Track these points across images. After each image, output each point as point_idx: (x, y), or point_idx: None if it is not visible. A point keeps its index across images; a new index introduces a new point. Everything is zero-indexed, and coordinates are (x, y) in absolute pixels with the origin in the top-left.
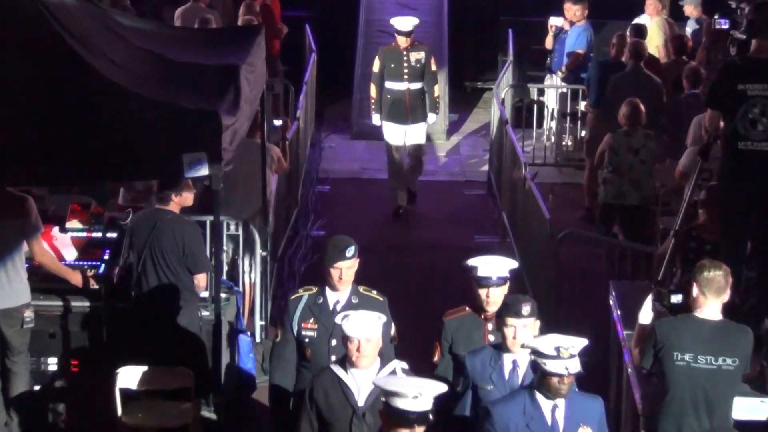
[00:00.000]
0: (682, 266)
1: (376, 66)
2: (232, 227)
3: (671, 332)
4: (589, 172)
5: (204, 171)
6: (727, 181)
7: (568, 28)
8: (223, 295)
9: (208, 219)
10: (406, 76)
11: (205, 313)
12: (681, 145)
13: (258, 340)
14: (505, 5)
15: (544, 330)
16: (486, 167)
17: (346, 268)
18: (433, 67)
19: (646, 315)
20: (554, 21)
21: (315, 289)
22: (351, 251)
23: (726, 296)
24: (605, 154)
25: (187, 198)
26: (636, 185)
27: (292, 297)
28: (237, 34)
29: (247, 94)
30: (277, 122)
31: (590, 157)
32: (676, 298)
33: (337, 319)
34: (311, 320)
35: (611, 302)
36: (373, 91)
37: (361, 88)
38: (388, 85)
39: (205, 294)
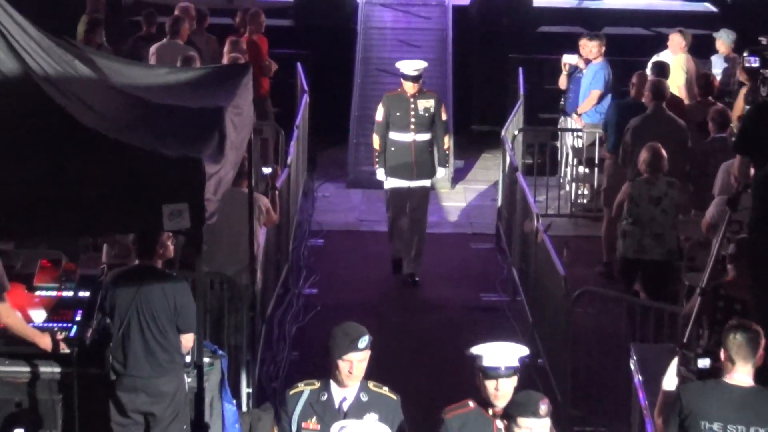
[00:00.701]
0: (710, 327)
1: (379, 114)
2: (216, 284)
3: (698, 399)
4: (608, 224)
5: (186, 223)
6: (758, 234)
7: (584, 66)
8: (206, 360)
9: (190, 275)
10: (412, 127)
11: (187, 380)
12: (707, 194)
13: (244, 409)
14: (515, 42)
15: (558, 397)
16: (494, 219)
17: (357, 361)
18: (444, 116)
19: (670, 380)
20: (568, 59)
21: (318, 384)
22: (364, 342)
23: (758, 360)
24: (624, 204)
25: (169, 251)
26: (658, 238)
27: (291, 392)
28: (222, 73)
29: (233, 139)
30: (266, 170)
31: (608, 207)
32: (704, 363)
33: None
34: (313, 419)
35: (632, 366)
36: (376, 142)
37: (357, 132)
38: (393, 135)
39: (186, 359)
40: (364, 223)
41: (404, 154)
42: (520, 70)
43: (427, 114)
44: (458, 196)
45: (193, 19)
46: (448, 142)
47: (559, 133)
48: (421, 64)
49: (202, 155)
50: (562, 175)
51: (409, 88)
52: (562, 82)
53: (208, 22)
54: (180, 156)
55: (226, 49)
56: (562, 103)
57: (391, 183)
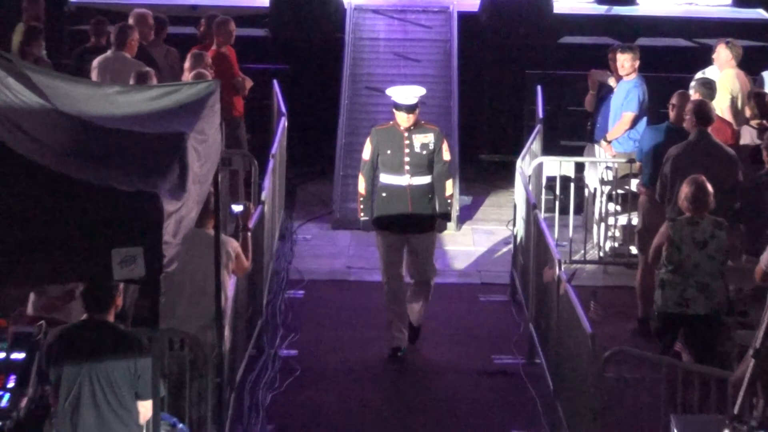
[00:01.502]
0: (765, 395)
1: (366, 152)
2: (176, 344)
3: None
4: (643, 273)
5: (140, 271)
6: None
7: (614, 83)
8: None
9: (145, 333)
10: (407, 168)
11: None
12: (761, 235)
13: None
14: (532, 55)
15: None
16: (508, 266)
17: None
18: (446, 155)
19: None
20: (597, 75)
21: None
22: None
23: None
24: (663, 248)
25: (118, 303)
26: (703, 289)
27: None
28: (184, 92)
29: (197, 171)
30: (237, 207)
31: (644, 252)
32: None
33: None
34: None
35: None
36: (361, 185)
37: (344, 163)
38: (384, 178)
39: None
40: (353, 271)
41: (397, 202)
42: (539, 88)
43: (425, 152)
44: (465, 238)
45: (150, 28)
46: (450, 188)
47: (586, 163)
48: (418, 91)
49: (160, 190)
50: (589, 213)
51: (403, 120)
52: (589, 103)
53: (167, 32)
54: (133, 191)
55: (188, 63)
56: (588, 127)
57: (384, 238)
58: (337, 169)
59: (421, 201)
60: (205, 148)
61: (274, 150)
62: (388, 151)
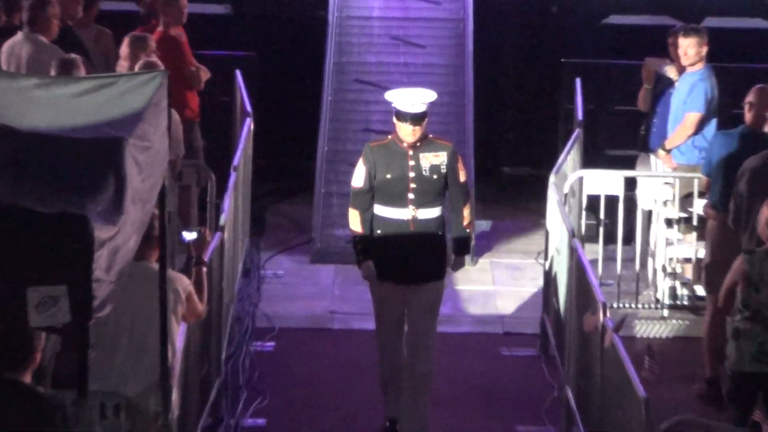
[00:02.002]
0: None
1: (358, 177)
2: (110, 411)
3: None
4: (712, 320)
5: (63, 316)
6: None
7: (676, 76)
8: None
9: (68, 398)
10: (411, 197)
11: None
12: None
13: None
14: (569, 41)
15: None
16: (538, 311)
17: None
18: (461, 175)
19: None
20: (653, 65)
21: None
22: None
23: None
24: (737, 288)
25: (37, 359)
26: None
27: None
28: (121, 86)
29: (137, 188)
30: (188, 235)
31: (713, 293)
32: None
33: None
34: None
35: None
36: (355, 221)
37: (327, 177)
38: (380, 211)
39: None
40: (338, 317)
41: (397, 242)
42: (578, 82)
43: (435, 176)
44: (482, 275)
45: (77, 3)
46: (469, 215)
47: (638, 179)
48: (427, 96)
49: (89, 212)
50: (643, 243)
51: (408, 134)
52: (643, 101)
53: (98, 8)
54: (55, 213)
55: (125, 49)
56: (642, 132)
57: (381, 289)
58: (318, 185)
59: (430, 240)
60: (147, 157)
61: (236, 161)
62: (388, 176)
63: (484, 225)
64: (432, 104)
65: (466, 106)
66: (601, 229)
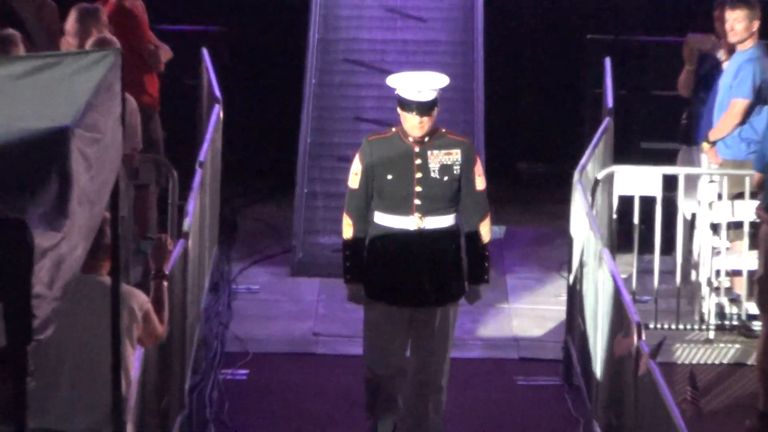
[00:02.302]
0: None
1: (355, 176)
2: None
3: None
4: (766, 342)
5: None
6: None
7: (724, 57)
8: None
9: None
10: (418, 202)
11: None
12: None
13: None
14: (596, 13)
15: None
16: (560, 333)
17: None
18: (479, 182)
19: None
20: (696, 42)
21: None
22: None
23: None
24: None
25: None
26: None
27: None
28: (66, 67)
29: (85, 187)
30: (147, 243)
31: (767, 311)
32: None
33: None
34: None
35: None
36: (348, 230)
37: (309, 174)
38: (380, 219)
39: None
40: (323, 340)
41: (401, 256)
42: (607, 62)
43: (446, 178)
44: (495, 291)
45: None
46: (487, 233)
47: (679, 176)
48: (438, 81)
49: (28, 215)
50: (684, 253)
51: (414, 126)
52: (684, 85)
53: None
54: None
55: (72, 23)
56: (684, 121)
57: (378, 312)
58: (300, 184)
59: (440, 255)
60: (98, 151)
61: (203, 156)
62: (389, 176)
63: (497, 231)
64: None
65: (475, 91)
66: (636, 237)
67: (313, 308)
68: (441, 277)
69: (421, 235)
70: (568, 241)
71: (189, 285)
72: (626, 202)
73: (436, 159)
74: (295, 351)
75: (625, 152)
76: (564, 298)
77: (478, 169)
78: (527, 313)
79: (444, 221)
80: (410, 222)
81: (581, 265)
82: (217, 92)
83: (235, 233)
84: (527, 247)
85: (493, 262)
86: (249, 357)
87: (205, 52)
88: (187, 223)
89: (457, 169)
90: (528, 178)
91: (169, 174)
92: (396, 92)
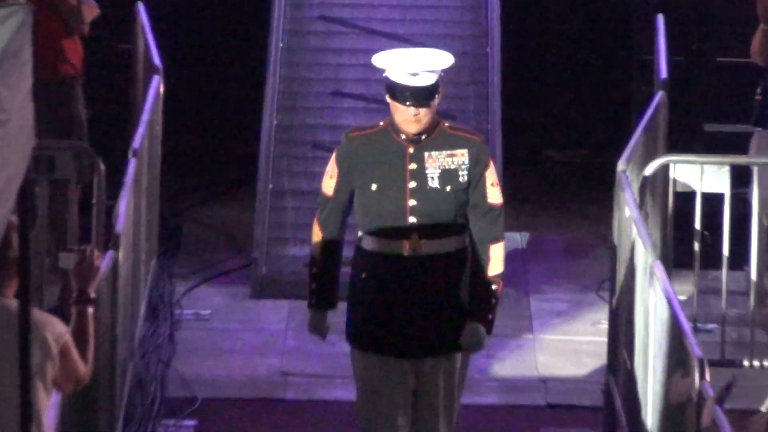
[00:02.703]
0: None
1: (329, 180)
2: None
3: None
4: None
5: None
6: None
7: None
8: None
9: None
10: (413, 219)
11: None
12: None
13: None
14: None
15: None
16: (598, 374)
17: None
18: (493, 195)
19: None
20: None
21: None
22: None
23: None
24: None
25: None
26: None
27: None
28: None
29: None
30: (66, 257)
31: None
32: None
33: None
34: None
35: None
36: (317, 246)
37: (275, 166)
38: (367, 243)
39: None
40: (293, 381)
41: (395, 292)
42: (659, 21)
43: (449, 187)
44: (516, 318)
45: None
46: (499, 260)
47: (753, 168)
48: (438, 60)
49: None
50: (758, 267)
51: (408, 120)
52: (760, 51)
53: None
54: None
55: None
56: (758, 96)
57: (363, 361)
58: (263, 179)
59: (444, 289)
60: (1, 137)
61: (138, 142)
62: (374, 185)
63: (517, 239)
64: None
65: (489, 58)
66: (697, 247)
67: (280, 340)
68: (446, 316)
69: (419, 263)
70: (610, 253)
71: (120, 310)
72: (685, 201)
73: (437, 163)
74: (258, 396)
75: (683, 137)
76: (604, 326)
77: (492, 176)
78: (557, 347)
79: (448, 244)
80: (403, 246)
81: (627, 283)
82: (157, 59)
83: (180, 242)
84: (557, 259)
85: (514, 280)
86: (197, 404)
87: (140, 8)
88: (117, 230)
89: (463, 176)
90: (558, 170)
91: (95, 166)
92: (384, 75)
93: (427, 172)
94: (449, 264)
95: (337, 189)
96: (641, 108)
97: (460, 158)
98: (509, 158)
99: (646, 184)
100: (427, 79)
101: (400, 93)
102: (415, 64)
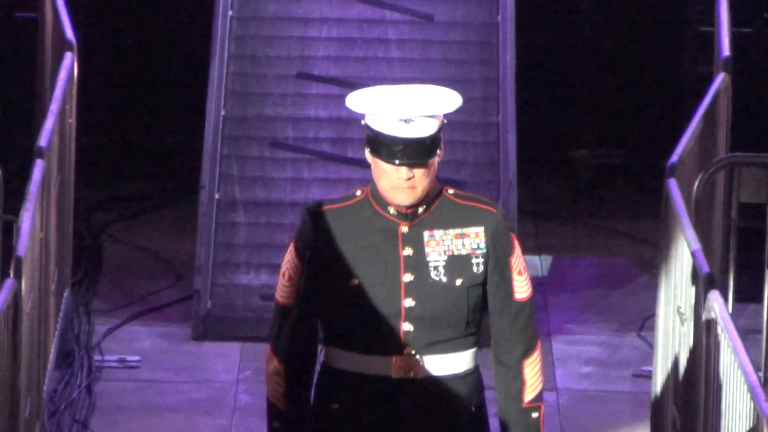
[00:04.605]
0: None
1: (286, 286)
2: None
3: None
4: None
5: None
6: None
7: None
8: None
9: None
10: (408, 328)
11: None
12: None
13: None
14: None
15: None
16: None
17: None
18: (520, 288)
19: None
20: None
21: None
22: None
23: None
24: None
25: None
26: None
27: None
28: None
29: None
30: None
31: None
32: None
33: None
34: None
35: None
36: (275, 380)
37: (223, 172)
38: (340, 359)
39: None
40: None
41: (377, 428)
42: None
43: (460, 281)
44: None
45: None
46: (536, 378)
47: None
48: (441, 101)
49: None
50: None
51: (399, 188)
52: None
53: None
54: None
55: None
56: None
57: None
58: (208, 186)
59: (449, 423)
60: None
61: (44, 139)
62: (354, 281)
63: (537, 264)
64: (442, 40)
65: (500, 29)
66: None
67: (230, 394)
68: None
69: (415, 390)
70: (657, 281)
71: (23, 356)
72: (753, 214)
73: (441, 246)
74: None
75: (751, 133)
76: (650, 376)
77: (519, 262)
78: (587, 404)
79: (456, 363)
80: (394, 365)
81: (677, 321)
82: (70, 33)
83: (101, 268)
84: (586, 290)
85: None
86: None
87: None
88: (19, 253)
89: (479, 265)
90: (588, 175)
91: None
92: (364, 122)
93: (428, 259)
94: (455, 390)
95: (300, 293)
96: (696, 95)
97: (473, 239)
98: (526, 160)
99: (701, 192)
100: (425, 128)
101: (387, 148)
102: (408, 107)
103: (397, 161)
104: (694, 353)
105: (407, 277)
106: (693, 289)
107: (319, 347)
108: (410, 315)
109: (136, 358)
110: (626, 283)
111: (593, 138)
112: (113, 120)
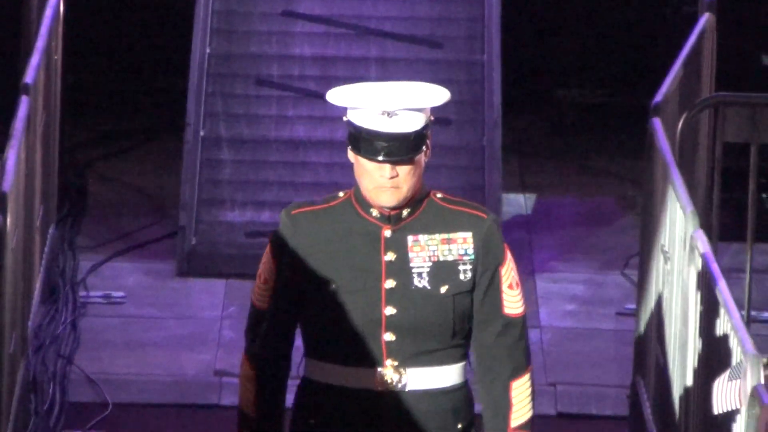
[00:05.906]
0: None
1: (262, 289)
2: None
3: None
4: None
5: None
6: None
7: None
8: None
9: None
10: (390, 338)
11: None
12: None
13: None
14: None
15: None
16: (623, 375)
17: None
18: (511, 302)
19: None
20: None
21: None
22: None
23: None
24: None
25: None
26: None
27: None
28: None
29: None
30: None
31: None
32: None
33: None
34: None
35: None
36: (248, 387)
37: (208, 109)
38: (319, 371)
39: None
40: (228, 382)
41: None
42: None
43: (445, 288)
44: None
45: None
46: (525, 401)
47: None
48: (427, 95)
49: None
50: None
51: (382, 187)
52: None
53: None
54: None
55: None
56: None
57: None
58: (193, 123)
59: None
60: None
61: (30, 76)
62: (332, 286)
63: (521, 203)
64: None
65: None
66: (751, 213)
67: (214, 330)
68: None
69: (397, 404)
70: (641, 220)
71: (8, 292)
72: (736, 154)
73: (426, 252)
74: (185, 401)
75: (734, 72)
76: (631, 314)
77: (510, 274)
78: (570, 341)
79: (441, 377)
80: (375, 378)
81: (661, 259)
82: None
83: (86, 205)
84: (570, 228)
85: (517, 256)
86: (108, 410)
87: None
88: (4, 188)
89: (466, 272)
90: (572, 114)
91: None
92: (346, 118)
93: (411, 265)
94: (439, 406)
95: (276, 297)
96: (680, 35)
97: (461, 245)
98: (511, 100)
99: (686, 131)
100: (409, 123)
101: (369, 144)
102: (392, 100)
103: (380, 158)
104: (676, 292)
105: (389, 284)
106: (677, 228)
107: (300, 359)
108: (391, 324)
109: (121, 294)
110: (610, 221)
111: (578, 77)
112: (99, 57)
